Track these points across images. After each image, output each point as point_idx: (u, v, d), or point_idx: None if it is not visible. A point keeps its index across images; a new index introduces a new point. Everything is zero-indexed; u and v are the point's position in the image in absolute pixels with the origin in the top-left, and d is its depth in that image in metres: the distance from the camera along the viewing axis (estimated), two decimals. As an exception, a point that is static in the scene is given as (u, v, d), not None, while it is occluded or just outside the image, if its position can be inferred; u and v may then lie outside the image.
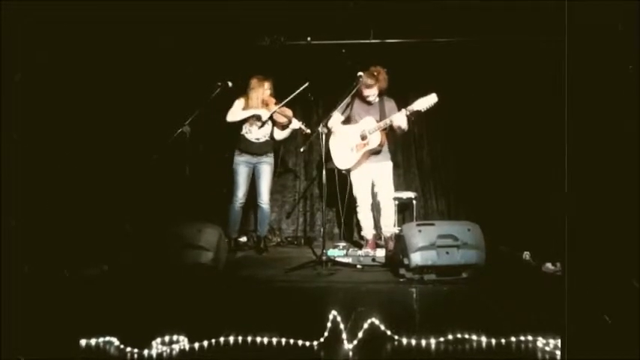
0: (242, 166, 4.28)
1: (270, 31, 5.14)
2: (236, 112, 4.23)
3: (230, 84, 4.20)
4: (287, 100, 4.16)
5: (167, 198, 4.71)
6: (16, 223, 2.59)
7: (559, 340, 2.47)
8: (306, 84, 4.01)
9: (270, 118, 4.26)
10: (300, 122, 4.28)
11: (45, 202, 3.66)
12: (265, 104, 4.27)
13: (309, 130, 4.35)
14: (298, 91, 4.06)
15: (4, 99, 2.65)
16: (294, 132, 4.42)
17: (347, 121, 4.20)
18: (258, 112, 4.23)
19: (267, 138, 4.34)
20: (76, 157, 4.20)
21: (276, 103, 4.26)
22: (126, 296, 2.87)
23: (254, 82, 4.28)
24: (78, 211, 4.07)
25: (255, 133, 4.29)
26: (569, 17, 2.07)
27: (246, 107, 4.25)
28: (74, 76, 4.18)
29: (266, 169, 4.31)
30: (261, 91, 4.26)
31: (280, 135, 4.39)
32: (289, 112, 4.26)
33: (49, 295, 2.78)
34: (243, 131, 4.29)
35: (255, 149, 4.29)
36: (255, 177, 4.33)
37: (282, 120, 4.27)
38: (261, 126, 4.28)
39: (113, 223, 4.21)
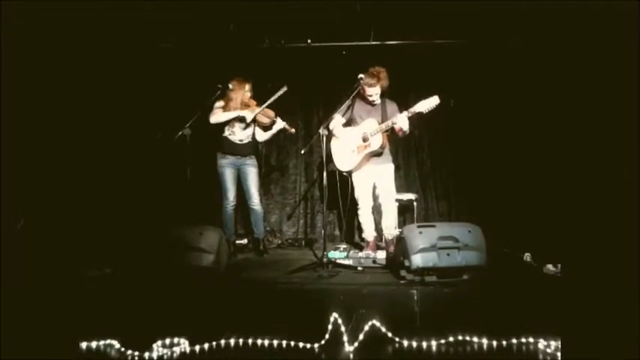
0: (227, 169, 4.27)
1: (271, 34, 5.16)
2: (219, 114, 4.23)
3: (230, 87, 4.21)
4: (269, 102, 4.17)
5: (168, 200, 4.72)
6: (19, 226, 2.60)
7: (560, 342, 2.47)
8: (284, 88, 4.04)
9: (254, 119, 4.26)
10: (284, 122, 4.29)
11: (48, 205, 3.67)
12: (246, 106, 4.27)
13: (293, 130, 4.36)
14: (277, 94, 4.09)
15: (5, 100, 2.66)
16: (279, 133, 4.42)
17: (348, 123, 4.20)
18: (242, 113, 4.23)
19: (250, 139, 4.34)
20: (78, 159, 4.21)
21: (256, 105, 4.27)
22: (127, 299, 2.87)
23: (234, 83, 4.26)
24: (80, 213, 4.08)
25: (238, 135, 4.29)
26: (568, 19, 2.08)
27: (227, 109, 4.25)
28: (75, 79, 4.19)
29: (251, 171, 4.31)
30: (242, 92, 4.26)
31: (263, 136, 4.39)
32: (271, 113, 4.27)
33: (51, 297, 2.78)
34: (226, 133, 4.28)
35: (239, 151, 4.29)
36: (242, 179, 4.33)
37: (265, 121, 4.28)
38: (246, 127, 4.28)
39: (115, 225, 4.22)
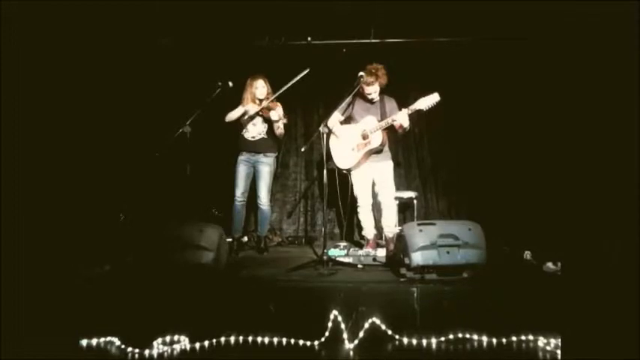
0: (241, 165, 4.29)
1: (271, 31, 5.15)
2: (230, 113, 4.26)
3: (231, 84, 4.21)
4: (274, 96, 4.14)
5: (168, 198, 4.71)
6: (18, 222, 2.59)
7: (560, 340, 2.47)
8: (307, 70, 3.88)
9: (259, 114, 4.25)
10: (280, 113, 4.18)
11: (47, 202, 3.66)
12: (259, 102, 4.27)
13: (285, 120, 4.21)
14: (296, 79, 3.93)
15: (4, 99, 2.65)
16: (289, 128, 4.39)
17: (347, 120, 4.20)
18: (246, 108, 4.24)
19: (262, 136, 4.31)
20: (78, 156, 4.21)
21: (271, 99, 4.24)
22: (127, 296, 2.88)
23: (247, 81, 4.30)
24: (80, 210, 4.08)
25: (251, 132, 4.29)
26: (569, 18, 2.07)
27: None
28: (75, 75, 4.18)
29: (264, 169, 4.29)
30: (251, 90, 4.27)
31: (276, 131, 4.31)
32: (276, 106, 4.21)
33: (51, 295, 2.78)
34: (243, 130, 4.31)
35: (252, 147, 4.28)
36: (255, 177, 4.33)
37: (268, 115, 4.22)
38: (249, 121, 4.27)
39: (115, 222, 4.22)
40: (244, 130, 4.31)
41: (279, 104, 4.24)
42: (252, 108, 4.24)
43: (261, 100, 4.27)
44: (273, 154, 4.39)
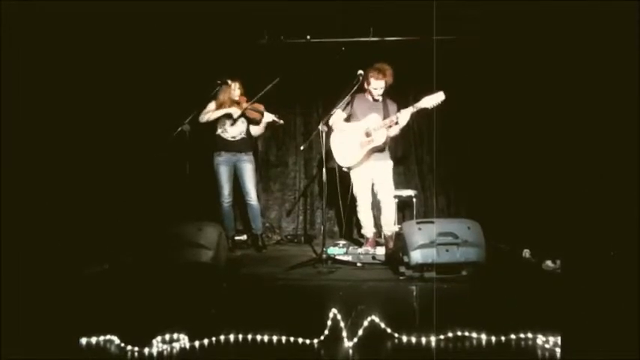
0: (222, 166, 4.34)
1: (270, 30, 5.14)
2: (207, 114, 4.29)
3: (230, 82, 4.21)
4: (257, 97, 4.19)
5: (167, 196, 4.71)
6: (18, 222, 2.59)
7: (559, 338, 2.47)
8: (277, 79, 4.08)
9: (243, 115, 4.30)
10: (273, 115, 4.30)
11: (45, 200, 3.66)
12: (236, 103, 4.30)
13: (282, 121, 4.37)
14: (269, 86, 4.11)
15: (4, 100, 2.65)
16: (271, 126, 4.45)
17: (348, 119, 4.19)
18: (229, 110, 4.27)
19: (242, 136, 4.37)
20: (76, 155, 4.20)
21: (246, 101, 4.29)
22: (126, 295, 2.88)
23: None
24: (78, 209, 4.07)
25: (230, 132, 4.33)
26: (570, 18, 2.07)
27: (217, 108, 4.30)
28: (73, 73, 4.17)
29: (247, 167, 4.36)
30: (229, 91, 4.30)
31: (256, 131, 4.42)
32: (261, 107, 4.29)
33: (50, 293, 2.78)
34: (219, 131, 4.34)
35: (233, 147, 4.33)
36: (238, 176, 4.38)
37: (255, 116, 4.31)
38: (233, 123, 4.31)
39: (114, 221, 4.22)
40: (221, 130, 4.34)
41: (261, 105, 4.30)
42: (234, 109, 4.27)
43: (236, 102, 4.30)
44: (251, 152, 4.48)
